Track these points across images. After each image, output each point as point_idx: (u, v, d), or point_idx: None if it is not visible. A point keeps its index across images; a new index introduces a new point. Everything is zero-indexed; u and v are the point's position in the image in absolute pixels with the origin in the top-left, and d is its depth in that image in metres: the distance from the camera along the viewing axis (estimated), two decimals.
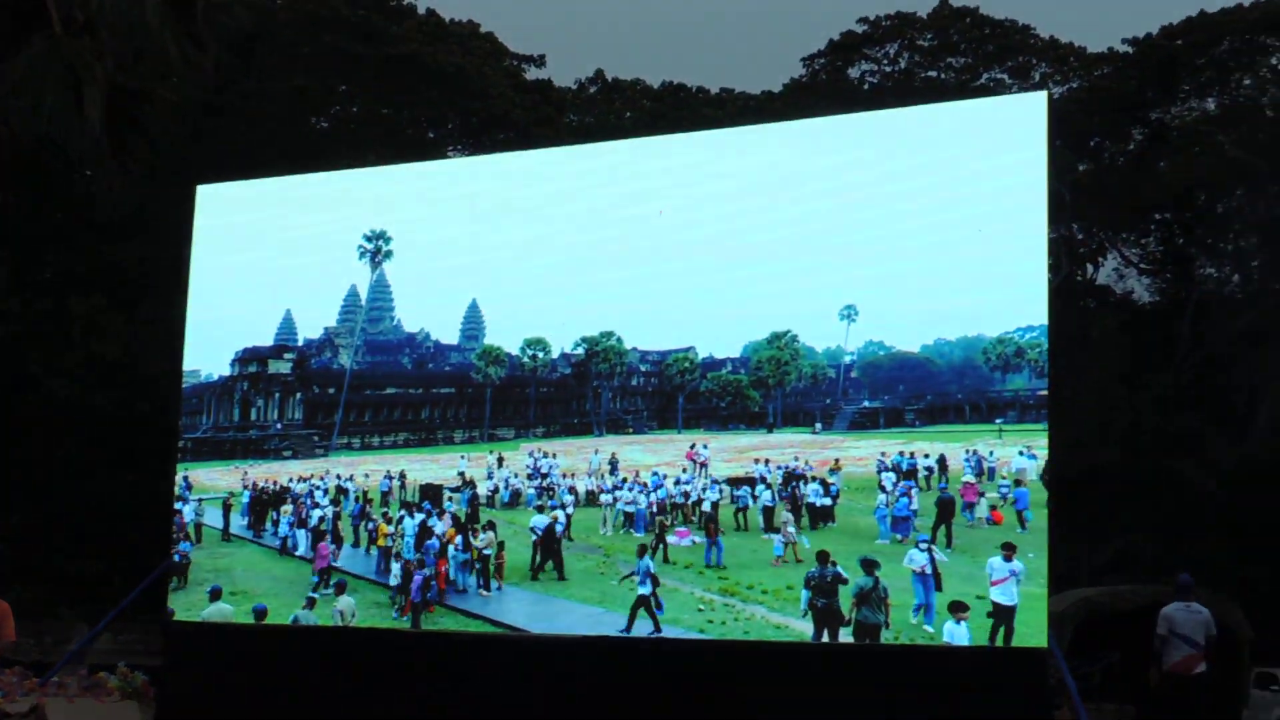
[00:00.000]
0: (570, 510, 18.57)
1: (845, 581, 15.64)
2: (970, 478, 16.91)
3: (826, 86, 55.61)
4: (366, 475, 20.18)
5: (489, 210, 19.37)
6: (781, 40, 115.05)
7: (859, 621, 15.53)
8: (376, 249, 20.25)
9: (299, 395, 21.06)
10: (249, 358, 21.25)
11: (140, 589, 20.69)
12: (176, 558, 19.99)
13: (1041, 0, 62.96)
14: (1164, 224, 54.29)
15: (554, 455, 19.37)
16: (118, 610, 21.91)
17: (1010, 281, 16.24)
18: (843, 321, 17.28)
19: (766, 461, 18.15)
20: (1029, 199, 16.09)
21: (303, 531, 20.02)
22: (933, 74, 56.92)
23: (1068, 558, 29.32)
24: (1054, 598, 17.65)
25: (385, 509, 19.65)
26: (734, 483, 18.20)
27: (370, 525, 19.63)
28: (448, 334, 20.10)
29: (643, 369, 19.51)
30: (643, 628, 16.63)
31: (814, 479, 17.73)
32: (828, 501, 17.66)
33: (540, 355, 19.48)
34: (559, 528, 18.24)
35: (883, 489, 17.19)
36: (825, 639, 15.69)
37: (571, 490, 18.86)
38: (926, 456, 17.24)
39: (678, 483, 18.39)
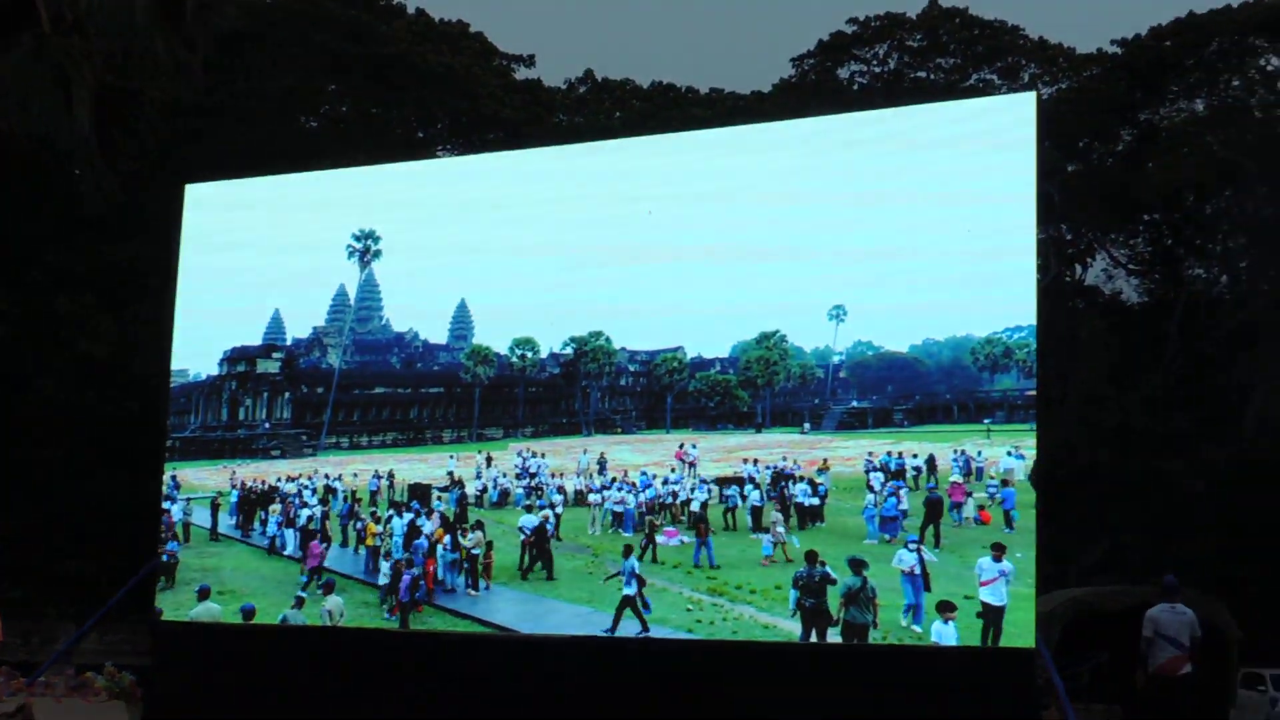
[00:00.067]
0: (559, 510, 18.57)
1: (834, 582, 15.65)
2: (957, 478, 16.95)
3: (816, 87, 55.64)
4: (355, 475, 20.17)
5: (478, 210, 19.36)
6: (771, 41, 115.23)
7: (847, 621, 15.54)
8: (365, 248, 20.24)
9: (287, 395, 21.05)
10: (237, 357, 21.23)
11: (127, 588, 20.67)
12: (165, 557, 19.96)
13: (1031, 1, 63.10)
14: (1152, 225, 54.36)
15: (542, 455, 19.37)
16: (105, 610, 21.88)
17: (999, 282, 16.26)
18: (831, 321, 17.30)
19: (755, 461, 18.17)
20: (1018, 199, 16.12)
21: (291, 531, 20.01)
22: (922, 74, 56.96)
23: (1056, 558, 29.35)
24: (1042, 598, 17.67)
25: (374, 508, 19.63)
26: (722, 482, 18.20)
27: (359, 525, 19.62)
28: (436, 333, 20.10)
29: (631, 369, 19.51)
30: (630, 628, 16.63)
31: (802, 479, 17.75)
32: (815, 501, 17.68)
33: (529, 355, 19.48)
34: (549, 527, 18.25)
35: (871, 489, 17.21)
36: (813, 639, 15.70)
37: (560, 490, 18.86)
38: (915, 456, 17.26)
39: (665, 482, 18.40)
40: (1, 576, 36.60)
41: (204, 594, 19.10)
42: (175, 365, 21.08)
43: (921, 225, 16.67)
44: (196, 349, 21.01)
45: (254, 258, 20.52)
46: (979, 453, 16.90)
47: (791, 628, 15.90)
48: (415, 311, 20.18)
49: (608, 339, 19.06)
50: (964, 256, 16.32)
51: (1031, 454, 16.23)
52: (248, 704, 17.79)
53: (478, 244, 19.26)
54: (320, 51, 49.41)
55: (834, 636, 15.60)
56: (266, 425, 21.17)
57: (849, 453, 17.94)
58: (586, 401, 19.59)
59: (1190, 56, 51.21)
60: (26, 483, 38.80)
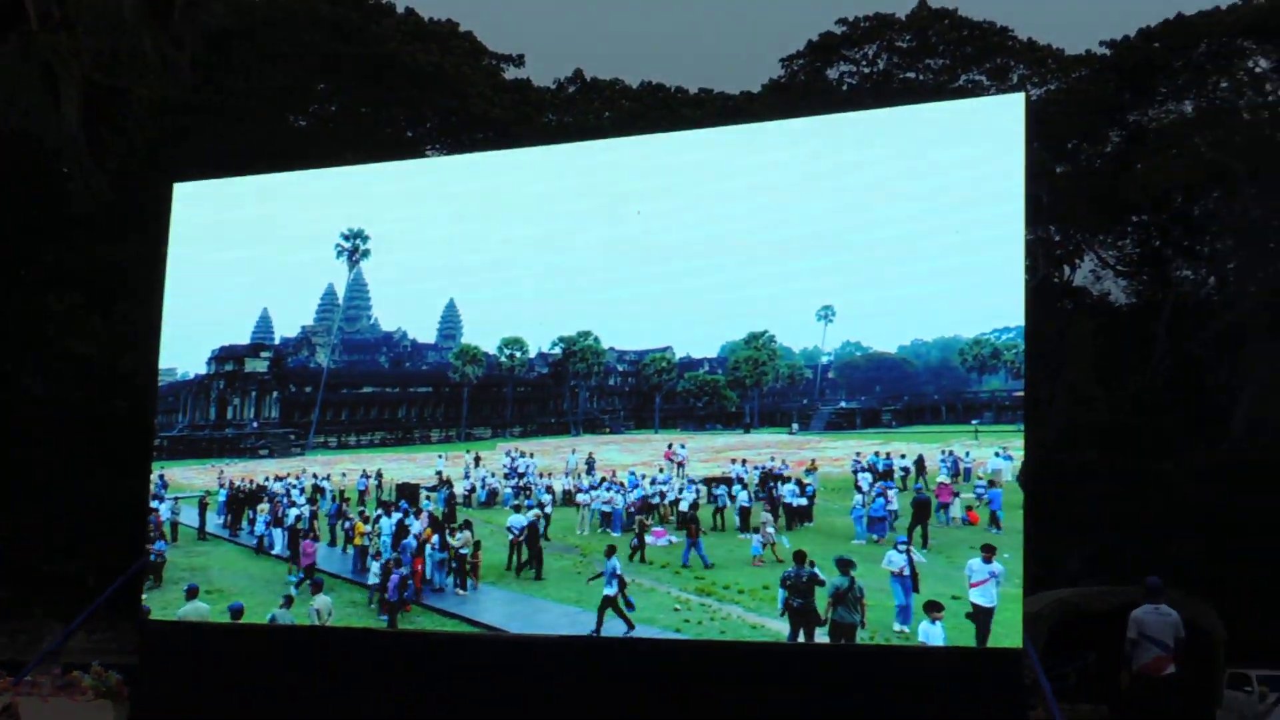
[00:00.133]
0: (549, 510, 18.57)
1: (822, 583, 15.65)
2: (945, 478, 16.97)
3: (805, 87, 55.69)
4: (344, 475, 20.15)
5: (467, 210, 19.35)
6: (760, 41, 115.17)
7: (835, 621, 15.55)
8: (354, 248, 20.22)
9: (275, 394, 21.03)
10: (225, 356, 21.21)
11: (114, 588, 20.63)
12: (152, 557, 19.92)
13: (1020, 2, 63.19)
14: (1141, 226, 54.45)
15: (531, 455, 19.37)
16: (91, 609, 21.85)
17: (987, 283, 16.28)
18: (820, 322, 17.30)
19: (744, 462, 18.17)
20: (1006, 200, 16.14)
21: (279, 530, 19.99)
22: (911, 75, 57.02)
23: (1043, 559, 29.38)
24: (1029, 598, 17.69)
25: (362, 508, 19.62)
26: (711, 482, 18.21)
27: (347, 524, 19.60)
28: (425, 333, 20.09)
29: (620, 369, 19.52)
30: (617, 628, 16.63)
31: (790, 479, 17.77)
32: (803, 502, 17.69)
33: (517, 355, 19.47)
34: (541, 525, 18.26)
35: (859, 489, 17.23)
36: (801, 639, 15.70)
37: (548, 490, 18.85)
38: (903, 457, 17.27)
39: (653, 482, 18.40)
40: None
41: (192, 593, 19.07)
42: (163, 364, 21.04)
43: (910, 226, 16.69)
44: (184, 348, 20.98)
45: (242, 257, 20.50)
46: (967, 453, 16.91)
47: (779, 628, 15.90)
48: (404, 311, 20.17)
49: (596, 339, 19.06)
50: (952, 257, 16.34)
51: (1019, 455, 16.25)
52: (235, 703, 17.77)
53: (466, 243, 19.26)
54: (309, 50, 49.40)
55: (822, 637, 15.61)
56: (254, 424, 21.16)
57: (837, 453, 17.95)
58: (575, 401, 19.59)
59: (1179, 58, 51.30)
60: (13, 481, 38.72)
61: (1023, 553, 15.36)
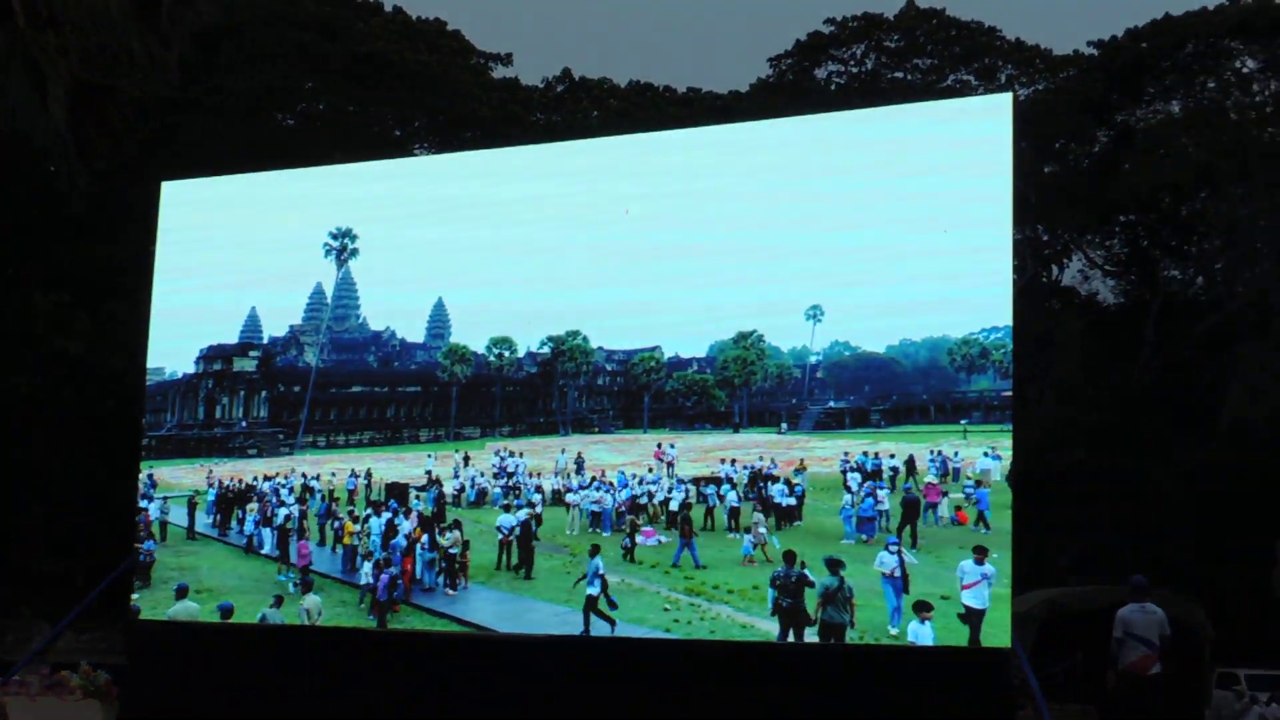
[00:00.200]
0: (539, 509, 18.56)
1: (811, 584, 15.62)
2: (932, 478, 16.98)
3: (793, 87, 55.79)
4: (333, 474, 20.13)
5: (455, 209, 19.31)
6: (749, 40, 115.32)
7: (824, 621, 15.53)
8: (342, 247, 20.20)
9: (264, 393, 21.00)
10: (214, 355, 21.18)
11: (101, 588, 20.60)
12: (141, 556, 19.88)
13: (1008, 2, 63.27)
14: (1128, 226, 54.56)
15: (520, 454, 19.36)
16: (79, 609, 21.79)
17: (975, 282, 16.27)
18: (809, 322, 17.29)
19: (733, 461, 18.18)
20: (994, 200, 16.13)
21: (268, 530, 19.96)
22: (899, 75, 57.15)
23: (1032, 558, 29.44)
24: (1017, 598, 17.73)
25: (351, 507, 19.60)
26: (700, 482, 18.21)
27: (336, 524, 19.58)
28: (413, 332, 20.07)
29: (609, 368, 19.51)
30: (605, 628, 16.62)
31: (779, 479, 17.77)
32: (792, 502, 17.69)
33: (506, 354, 19.46)
34: (534, 525, 18.27)
35: (848, 489, 17.23)
36: (791, 638, 15.70)
37: (538, 489, 18.85)
38: (892, 457, 17.29)
39: (641, 482, 18.39)
40: None
41: (182, 593, 19.02)
42: (151, 363, 20.99)
43: (898, 226, 16.67)
44: (173, 347, 20.92)
45: (230, 256, 20.45)
46: (955, 453, 16.93)
47: (769, 627, 15.90)
48: (392, 310, 20.14)
49: (585, 338, 19.05)
50: (941, 257, 16.32)
51: (1008, 454, 16.26)
52: (224, 703, 17.74)
53: (455, 243, 19.23)
54: (297, 49, 49.40)
55: (812, 636, 15.61)
56: (243, 424, 21.13)
57: (826, 453, 17.96)
58: (564, 401, 19.59)
59: (1166, 58, 51.46)
60: (1, 480, 38.67)
61: (1011, 552, 15.37)
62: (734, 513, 17.88)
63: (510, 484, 19.06)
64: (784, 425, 18.44)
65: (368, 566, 18.54)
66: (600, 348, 19.19)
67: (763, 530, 17.13)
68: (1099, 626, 19.14)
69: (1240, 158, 47.04)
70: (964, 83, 55.68)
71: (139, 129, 42.01)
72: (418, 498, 19.26)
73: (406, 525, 18.75)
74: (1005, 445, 16.33)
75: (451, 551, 18.28)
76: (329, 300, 20.72)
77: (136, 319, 22.65)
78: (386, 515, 18.91)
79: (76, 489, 38.54)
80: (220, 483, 20.68)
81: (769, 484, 17.74)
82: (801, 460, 17.97)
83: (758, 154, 17.97)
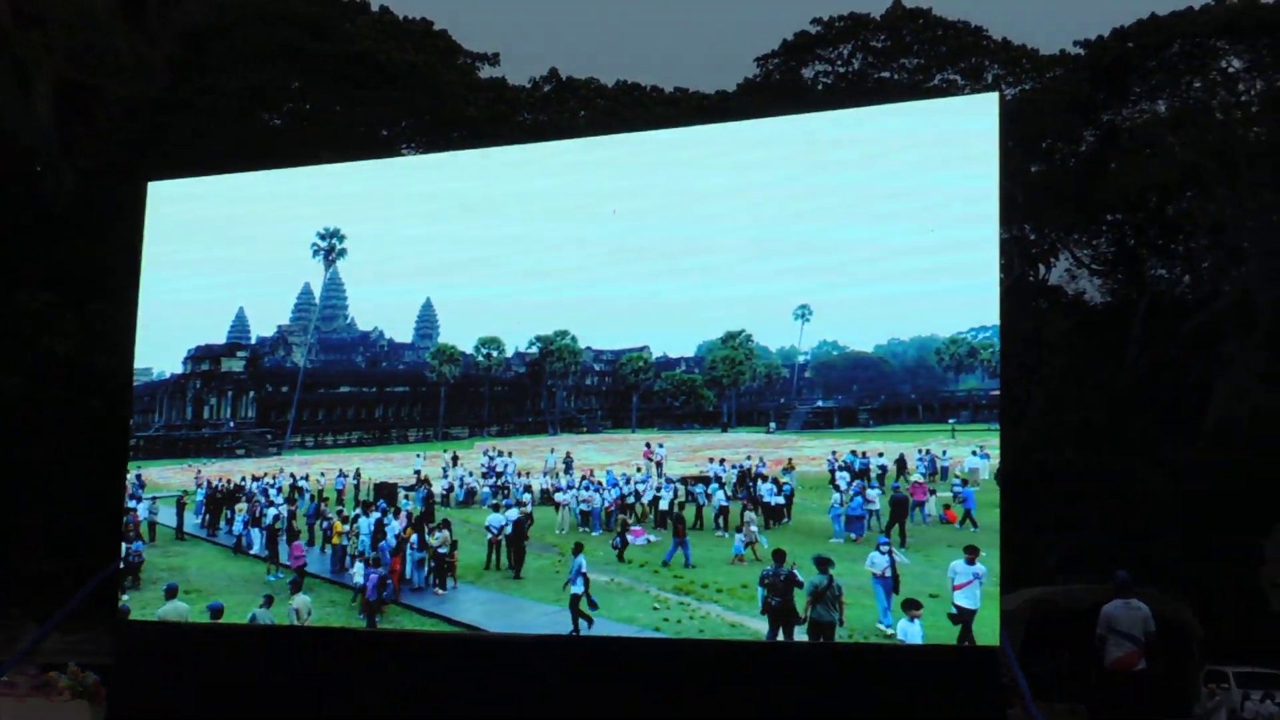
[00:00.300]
0: (529, 508, 18.55)
1: (800, 584, 15.63)
2: (918, 477, 17.00)
3: (780, 87, 55.84)
4: (322, 474, 20.12)
5: (443, 209, 19.31)
6: (736, 41, 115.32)
7: (814, 620, 15.53)
8: (330, 247, 20.18)
9: (252, 394, 20.97)
10: (202, 356, 21.14)
11: (89, 588, 20.57)
12: (131, 557, 19.84)
13: (994, 2, 63.32)
14: (1115, 225, 54.67)
15: (509, 454, 19.36)
16: (66, 610, 21.76)
17: (963, 282, 16.28)
18: (797, 321, 17.30)
19: (722, 461, 18.19)
20: (981, 199, 16.14)
21: (257, 530, 19.95)
22: (886, 74, 57.22)
23: (1020, 557, 29.49)
24: (1006, 596, 17.74)
25: (340, 507, 19.59)
26: (689, 481, 18.22)
27: (325, 524, 19.57)
28: (402, 332, 20.05)
29: (597, 368, 19.50)
30: (598, 626, 16.62)
31: (768, 478, 17.79)
32: (780, 500, 17.71)
33: (494, 354, 19.45)
34: (526, 525, 18.27)
35: (837, 488, 17.24)
36: (780, 637, 15.71)
37: (527, 489, 18.84)
38: (880, 456, 17.29)
39: (628, 481, 18.40)
40: None
41: (171, 593, 19.01)
42: (139, 363, 20.96)
43: (885, 225, 16.68)
44: (160, 347, 20.88)
45: (217, 256, 20.43)
46: (944, 452, 16.96)
47: (758, 626, 15.91)
48: (380, 310, 20.10)
49: (573, 338, 19.04)
50: (928, 256, 16.32)
51: (996, 453, 16.29)
52: (213, 703, 17.74)
53: (443, 242, 19.22)
54: (283, 48, 49.32)
55: (801, 635, 15.62)
56: (231, 424, 21.10)
57: (814, 452, 17.97)
58: (552, 401, 19.58)
59: (1152, 58, 51.56)
60: None
61: (999, 551, 15.39)
62: (722, 511, 17.91)
63: (499, 484, 19.07)
64: (772, 425, 18.44)
65: (360, 566, 18.54)
66: (588, 348, 19.17)
67: (754, 529, 17.13)
68: (1086, 625, 19.19)
69: (1226, 157, 47.16)
70: (950, 82, 55.78)
71: (126, 128, 41.94)
72: (406, 497, 19.25)
73: (396, 525, 18.75)
74: (993, 444, 16.35)
75: (441, 551, 18.28)
76: (317, 300, 20.70)
77: (124, 319, 22.61)
78: (375, 515, 18.91)
79: (64, 489, 38.43)
80: (209, 483, 20.66)
81: (759, 483, 17.76)
82: (790, 459, 17.99)
83: (745, 153, 17.96)
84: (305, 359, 20.90)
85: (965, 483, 16.60)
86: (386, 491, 19.36)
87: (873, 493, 16.97)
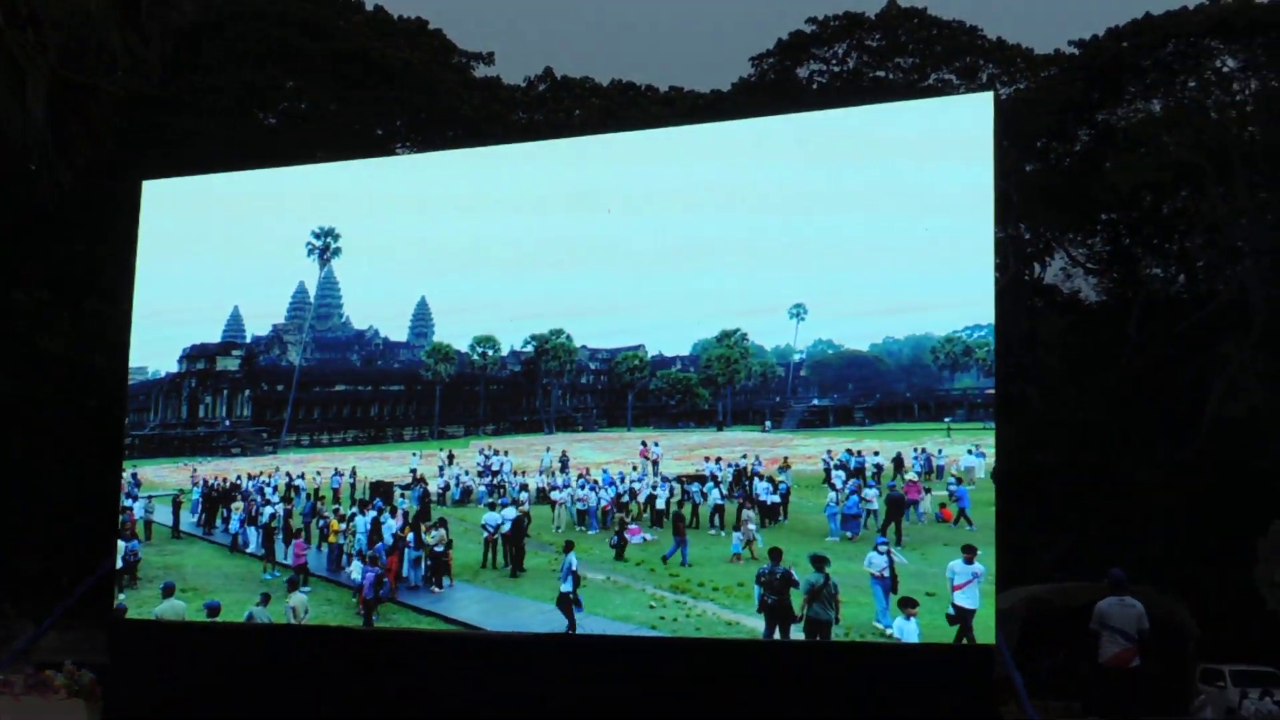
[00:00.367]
0: (526, 506, 18.55)
1: (796, 584, 15.63)
2: (913, 476, 17.01)
3: (775, 86, 55.84)
4: (318, 473, 20.12)
5: (437, 207, 19.29)
6: (731, 40, 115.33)
7: (810, 618, 15.53)
8: (325, 245, 20.17)
9: (247, 392, 20.97)
10: (197, 354, 21.14)
11: (85, 588, 20.55)
12: (128, 556, 19.82)
13: (989, 2, 63.38)
14: (1110, 224, 54.73)
15: (505, 453, 19.36)
16: (62, 609, 21.74)
17: (958, 281, 16.28)
18: (792, 320, 17.29)
19: (718, 460, 18.20)
20: (976, 199, 16.14)
21: (253, 528, 19.95)
22: (881, 74, 57.24)
23: (1015, 555, 29.53)
24: (1001, 595, 17.76)
25: (337, 506, 19.60)
26: (684, 480, 18.22)
27: (321, 523, 19.57)
28: (397, 331, 20.04)
29: (592, 367, 19.51)
30: (592, 625, 16.62)
31: (764, 477, 17.80)
32: (776, 499, 17.72)
33: (490, 353, 19.45)
34: (525, 523, 18.27)
35: (833, 487, 17.26)
36: (777, 635, 15.72)
37: (524, 488, 18.84)
38: (876, 454, 17.30)
39: (623, 479, 18.41)
40: None
41: (168, 591, 18.98)
42: (134, 362, 20.94)
43: (881, 224, 16.68)
44: (155, 346, 20.86)
45: (212, 254, 20.40)
46: (939, 450, 16.96)
47: (755, 624, 15.91)
48: (375, 309, 20.10)
49: (568, 337, 19.05)
50: (923, 255, 16.32)
51: (992, 452, 16.29)
52: (210, 702, 17.72)
53: (437, 241, 19.20)
54: (278, 47, 49.32)
55: (798, 633, 15.62)
56: (227, 423, 21.10)
57: (810, 450, 17.99)
58: (547, 399, 19.59)
59: (1147, 58, 51.59)
60: None
61: (995, 550, 15.40)
62: (717, 510, 17.92)
63: (495, 482, 19.07)
64: (768, 423, 18.46)
65: (357, 564, 18.54)
66: (584, 346, 19.19)
67: (752, 528, 17.14)
68: (1082, 623, 19.22)
69: (1221, 156, 47.22)
70: (945, 82, 55.81)
71: (119, 127, 41.88)
72: (402, 496, 19.26)
73: (393, 524, 18.75)
74: (989, 443, 16.36)
75: (437, 550, 18.28)
76: (312, 299, 20.70)
77: (118, 318, 22.59)
78: (372, 514, 18.91)
79: (60, 488, 38.46)
80: (205, 481, 20.66)
81: (754, 481, 17.77)
82: (785, 458, 17.99)
83: (740, 153, 17.96)
84: (300, 357, 20.89)
85: (960, 481, 16.60)
86: (382, 490, 19.36)
87: (870, 492, 16.97)
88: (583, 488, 18.64)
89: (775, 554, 15.91)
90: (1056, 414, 46.22)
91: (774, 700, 15.59)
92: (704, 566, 17.04)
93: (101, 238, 38.62)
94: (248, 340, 20.70)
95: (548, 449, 19.32)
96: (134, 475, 20.47)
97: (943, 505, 16.77)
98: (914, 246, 16.34)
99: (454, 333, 19.40)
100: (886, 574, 15.61)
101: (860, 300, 16.83)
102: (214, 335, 20.68)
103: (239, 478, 20.42)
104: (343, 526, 19.20)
